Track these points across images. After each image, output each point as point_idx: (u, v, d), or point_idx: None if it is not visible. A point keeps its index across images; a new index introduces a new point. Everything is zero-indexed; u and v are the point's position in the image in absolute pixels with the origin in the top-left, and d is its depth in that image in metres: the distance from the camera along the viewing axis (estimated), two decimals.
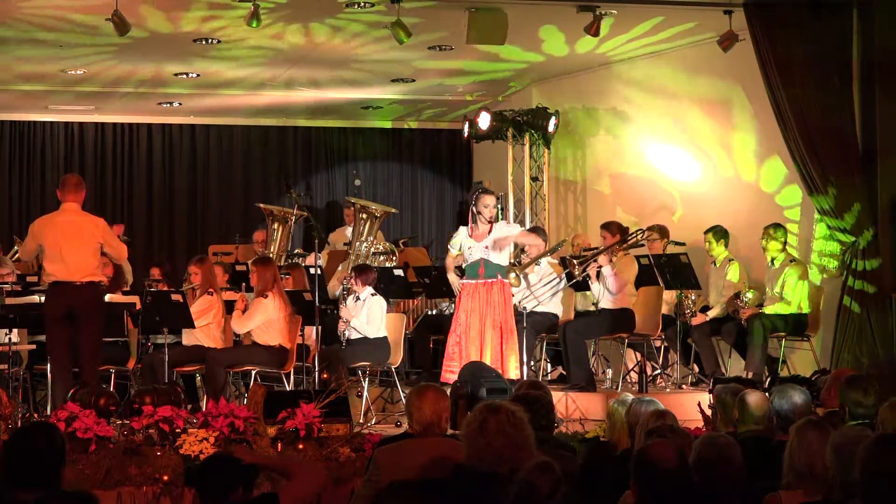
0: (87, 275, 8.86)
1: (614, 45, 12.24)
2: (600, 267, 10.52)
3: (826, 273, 10.82)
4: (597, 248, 10.88)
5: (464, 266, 9.64)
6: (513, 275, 10.24)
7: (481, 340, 9.36)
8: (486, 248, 9.43)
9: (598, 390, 10.39)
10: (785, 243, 10.53)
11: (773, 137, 11.07)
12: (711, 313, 10.84)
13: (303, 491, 4.46)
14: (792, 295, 10.39)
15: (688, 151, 12.58)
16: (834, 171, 10.36)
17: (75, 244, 8.84)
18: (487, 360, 9.25)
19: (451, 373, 9.34)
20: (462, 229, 9.68)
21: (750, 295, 10.47)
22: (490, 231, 9.48)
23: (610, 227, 10.91)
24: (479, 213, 9.48)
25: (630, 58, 12.79)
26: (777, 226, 10.60)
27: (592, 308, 10.96)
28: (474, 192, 9.76)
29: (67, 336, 8.86)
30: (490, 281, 9.44)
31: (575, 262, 10.62)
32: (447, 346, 9.60)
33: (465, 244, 9.56)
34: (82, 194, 9.08)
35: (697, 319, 10.77)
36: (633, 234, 10.83)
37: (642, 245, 11.03)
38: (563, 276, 10.80)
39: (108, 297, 9.65)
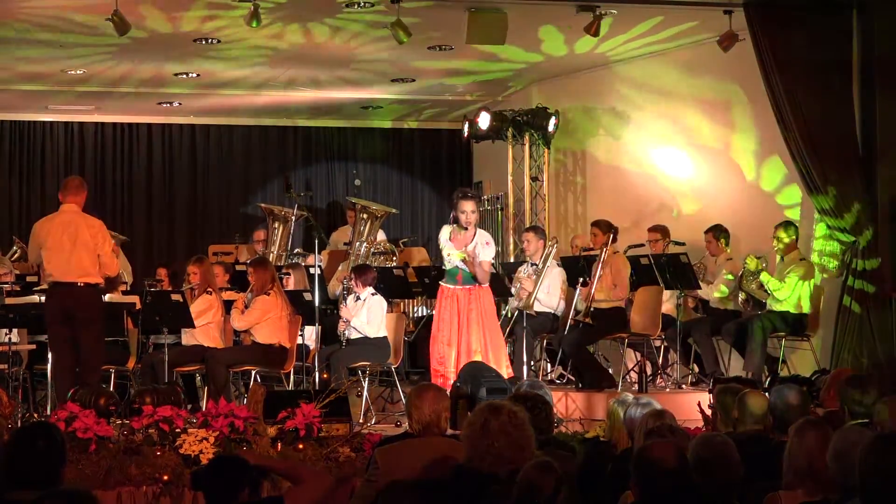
0: (83, 275, 8.83)
1: (613, 45, 12.23)
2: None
3: (826, 273, 10.81)
4: (591, 249, 10.93)
5: (443, 267, 9.38)
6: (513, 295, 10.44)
7: (467, 345, 9.14)
8: (460, 256, 9.18)
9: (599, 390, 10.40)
10: (796, 240, 10.50)
11: (772, 137, 11.07)
12: (714, 293, 10.86)
13: (309, 496, 4.46)
14: (783, 293, 10.36)
15: (688, 151, 12.58)
16: (834, 170, 10.37)
17: (71, 244, 8.81)
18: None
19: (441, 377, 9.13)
20: (443, 231, 9.39)
21: (750, 263, 10.45)
22: (473, 238, 9.23)
23: (599, 224, 10.88)
24: (457, 218, 9.21)
25: (630, 58, 12.79)
26: (788, 223, 10.60)
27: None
28: (455, 196, 9.39)
29: (67, 335, 8.85)
30: (468, 287, 9.23)
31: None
32: (435, 352, 9.31)
33: (444, 249, 9.27)
34: (83, 196, 9.04)
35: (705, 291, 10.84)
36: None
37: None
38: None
39: (107, 297, 9.65)
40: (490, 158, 14.95)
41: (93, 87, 13.80)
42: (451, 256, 9.21)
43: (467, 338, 9.15)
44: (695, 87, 12.38)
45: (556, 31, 11.63)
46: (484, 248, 9.26)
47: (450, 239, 9.26)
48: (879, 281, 10.33)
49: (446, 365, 9.14)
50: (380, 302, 10.60)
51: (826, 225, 10.60)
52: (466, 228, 9.21)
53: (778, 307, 10.41)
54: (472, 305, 9.20)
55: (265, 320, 10.02)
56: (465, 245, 9.20)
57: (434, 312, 9.45)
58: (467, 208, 9.18)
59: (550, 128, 13.25)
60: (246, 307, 10.12)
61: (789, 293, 10.38)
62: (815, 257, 10.88)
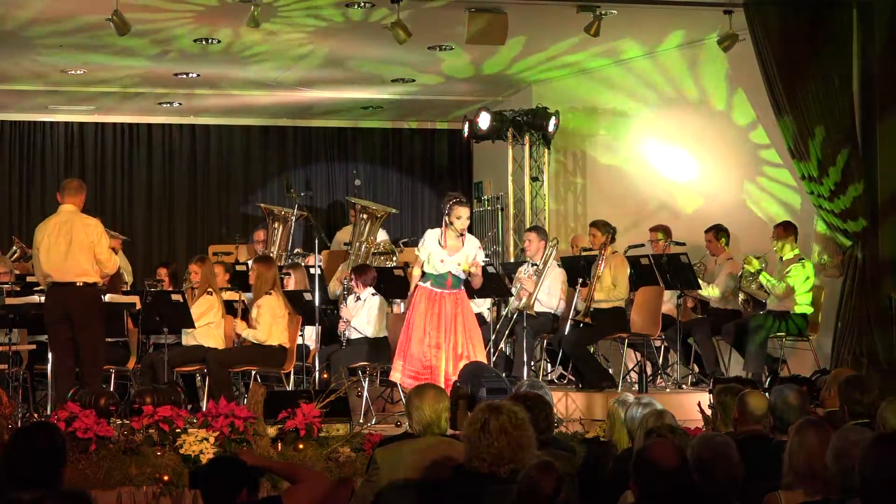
0: (80, 275, 8.83)
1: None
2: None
3: (826, 272, 10.80)
4: (591, 249, 10.94)
5: (426, 270, 9.24)
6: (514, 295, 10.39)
7: (454, 347, 9.10)
8: (458, 264, 9.12)
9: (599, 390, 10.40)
10: (795, 239, 10.49)
11: (773, 137, 11.08)
12: (713, 292, 10.86)
13: (307, 496, 4.46)
14: (783, 293, 10.36)
15: (688, 151, 12.58)
16: (834, 168, 10.37)
17: (67, 245, 8.81)
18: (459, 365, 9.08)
19: (410, 378, 9.02)
20: (431, 236, 9.26)
21: (749, 264, 10.43)
22: (463, 244, 9.18)
23: (598, 224, 10.88)
24: (451, 223, 9.11)
25: (630, 58, 12.79)
26: (787, 223, 10.60)
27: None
28: (448, 201, 9.25)
29: (67, 335, 8.85)
30: (454, 292, 9.20)
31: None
32: (408, 348, 9.16)
33: (435, 255, 9.15)
34: (82, 196, 9.04)
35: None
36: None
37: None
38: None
39: (107, 297, 9.65)
40: (490, 159, 14.95)
41: (93, 87, 13.80)
42: (446, 263, 9.13)
43: (454, 340, 9.12)
44: (695, 86, 12.38)
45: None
46: (479, 253, 9.33)
47: (439, 244, 9.18)
48: (877, 274, 10.36)
49: (433, 369, 9.03)
50: (380, 302, 10.60)
51: (825, 221, 10.57)
52: (463, 235, 9.18)
53: (778, 307, 10.41)
54: (458, 310, 9.18)
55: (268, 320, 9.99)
56: (457, 251, 9.15)
57: (411, 313, 9.25)
58: (463, 214, 9.14)
59: (550, 128, 13.24)
60: (246, 310, 10.10)
61: (789, 293, 10.38)
62: (814, 257, 10.89)
